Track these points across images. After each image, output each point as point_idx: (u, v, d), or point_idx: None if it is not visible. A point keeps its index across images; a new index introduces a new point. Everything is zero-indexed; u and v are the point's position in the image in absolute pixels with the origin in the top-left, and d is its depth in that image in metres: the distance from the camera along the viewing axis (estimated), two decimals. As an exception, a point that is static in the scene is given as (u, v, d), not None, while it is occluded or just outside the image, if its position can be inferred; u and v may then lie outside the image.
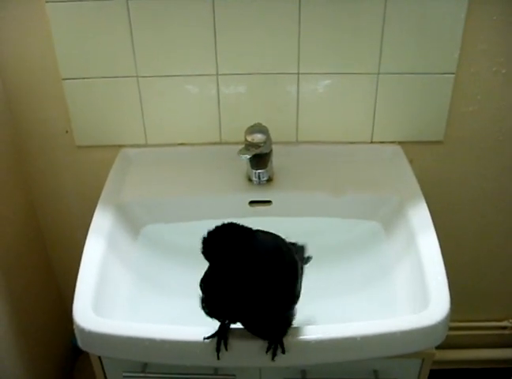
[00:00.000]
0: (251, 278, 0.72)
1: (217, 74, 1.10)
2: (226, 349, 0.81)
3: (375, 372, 0.94)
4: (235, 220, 0.74)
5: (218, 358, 0.81)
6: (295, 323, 0.81)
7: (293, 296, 0.78)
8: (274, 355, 0.80)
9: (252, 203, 1.10)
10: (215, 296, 0.76)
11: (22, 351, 1.26)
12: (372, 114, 1.15)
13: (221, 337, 0.81)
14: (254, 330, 0.80)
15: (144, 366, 0.93)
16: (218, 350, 0.81)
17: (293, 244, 0.87)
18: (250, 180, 1.12)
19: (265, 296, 0.73)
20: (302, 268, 0.84)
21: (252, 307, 0.74)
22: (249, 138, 1.03)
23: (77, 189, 1.27)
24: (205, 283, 0.77)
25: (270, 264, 0.72)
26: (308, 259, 0.92)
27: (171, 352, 0.82)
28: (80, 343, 0.86)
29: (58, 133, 1.19)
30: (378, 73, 1.09)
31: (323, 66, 1.10)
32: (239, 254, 0.71)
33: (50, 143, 1.21)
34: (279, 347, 0.80)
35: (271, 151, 1.08)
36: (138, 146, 1.20)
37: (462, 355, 1.57)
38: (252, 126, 1.05)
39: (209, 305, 0.78)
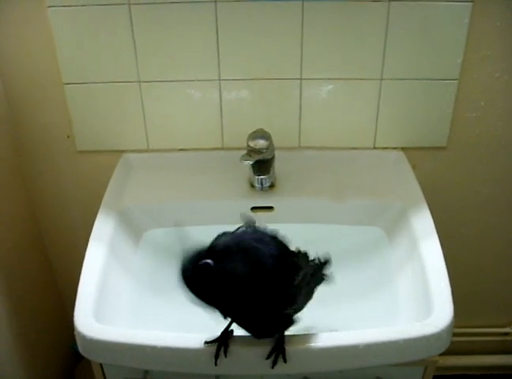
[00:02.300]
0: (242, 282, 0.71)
1: (219, 79, 1.10)
2: (225, 355, 0.80)
3: (378, 379, 0.94)
4: (236, 226, 0.74)
5: (216, 364, 0.80)
6: (298, 330, 0.81)
7: (286, 297, 0.76)
8: (274, 364, 0.80)
9: (254, 209, 1.10)
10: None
11: (23, 356, 1.25)
12: (375, 119, 1.14)
13: (222, 343, 0.81)
14: (249, 328, 0.79)
15: (146, 373, 0.92)
16: (217, 356, 0.80)
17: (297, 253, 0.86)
18: (252, 186, 1.11)
19: (255, 295, 0.72)
20: (306, 273, 0.82)
21: (243, 306, 0.73)
22: (251, 144, 1.03)
23: (78, 194, 1.27)
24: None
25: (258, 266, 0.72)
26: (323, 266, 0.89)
27: (173, 359, 0.82)
28: (81, 350, 0.85)
29: (60, 137, 1.19)
30: (381, 79, 1.09)
31: (326, 72, 1.10)
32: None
33: (51, 148, 1.21)
34: (280, 355, 0.80)
35: (273, 157, 1.07)
36: (140, 151, 1.19)
37: (464, 361, 1.57)
38: (254, 132, 1.05)
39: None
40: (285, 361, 0.80)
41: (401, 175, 1.14)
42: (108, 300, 0.91)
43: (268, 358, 0.80)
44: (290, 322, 0.80)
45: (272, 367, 0.80)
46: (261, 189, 1.10)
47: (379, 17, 1.03)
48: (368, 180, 1.14)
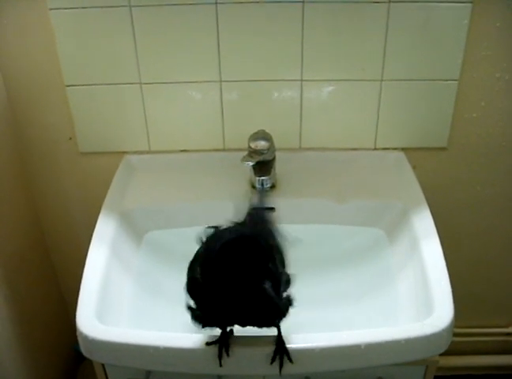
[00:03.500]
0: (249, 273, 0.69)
1: (220, 80, 1.10)
2: (227, 355, 0.80)
3: (379, 379, 0.94)
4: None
5: (220, 365, 0.80)
6: (299, 330, 0.81)
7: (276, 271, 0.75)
8: (281, 366, 0.80)
9: (255, 210, 1.10)
10: (209, 303, 0.73)
11: (25, 357, 1.26)
12: (375, 120, 1.15)
13: (223, 344, 0.81)
14: (254, 321, 0.77)
15: (148, 373, 0.92)
16: (220, 356, 0.80)
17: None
18: (253, 187, 1.12)
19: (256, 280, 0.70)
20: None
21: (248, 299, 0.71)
22: (252, 145, 1.03)
23: (80, 195, 1.27)
24: (196, 293, 0.76)
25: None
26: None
27: (176, 360, 0.82)
28: (83, 351, 0.85)
29: (62, 139, 1.19)
30: (382, 80, 1.09)
31: (326, 73, 1.10)
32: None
33: (53, 149, 1.21)
34: (285, 356, 0.80)
35: (274, 157, 1.07)
36: (141, 153, 1.20)
37: (466, 361, 1.57)
38: (255, 133, 1.05)
39: (203, 316, 0.76)
40: (291, 361, 0.80)
41: (402, 176, 1.14)
42: (110, 301, 0.91)
43: (272, 362, 0.80)
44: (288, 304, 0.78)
45: (280, 369, 0.80)
46: (262, 190, 1.10)
47: (379, 18, 1.03)
48: (369, 181, 1.14)
